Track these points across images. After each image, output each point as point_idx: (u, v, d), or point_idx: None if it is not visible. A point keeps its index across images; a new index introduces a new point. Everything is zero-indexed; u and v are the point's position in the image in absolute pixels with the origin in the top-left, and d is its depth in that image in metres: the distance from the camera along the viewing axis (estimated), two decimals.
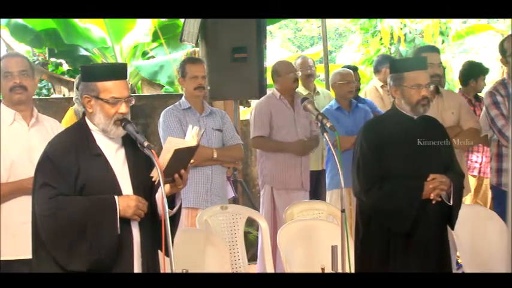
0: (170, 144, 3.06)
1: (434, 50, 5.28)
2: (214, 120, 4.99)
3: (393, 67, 3.99)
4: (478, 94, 6.75)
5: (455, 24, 12.51)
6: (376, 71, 6.96)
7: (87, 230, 3.01)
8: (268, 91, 5.95)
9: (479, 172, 6.67)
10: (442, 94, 5.16)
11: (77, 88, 5.11)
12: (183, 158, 3.09)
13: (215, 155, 4.87)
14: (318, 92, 6.71)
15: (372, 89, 6.82)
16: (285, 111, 5.71)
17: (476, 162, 6.66)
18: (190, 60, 5.24)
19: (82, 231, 3.00)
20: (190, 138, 3.12)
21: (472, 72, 6.70)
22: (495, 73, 11.04)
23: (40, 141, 3.72)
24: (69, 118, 5.16)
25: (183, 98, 5.01)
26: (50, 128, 3.90)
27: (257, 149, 5.96)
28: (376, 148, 3.85)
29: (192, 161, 3.16)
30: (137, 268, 3.13)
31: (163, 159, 3.02)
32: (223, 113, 5.11)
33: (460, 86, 6.87)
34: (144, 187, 3.16)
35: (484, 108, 5.13)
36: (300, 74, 6.46)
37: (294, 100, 5.76)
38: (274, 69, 5.82)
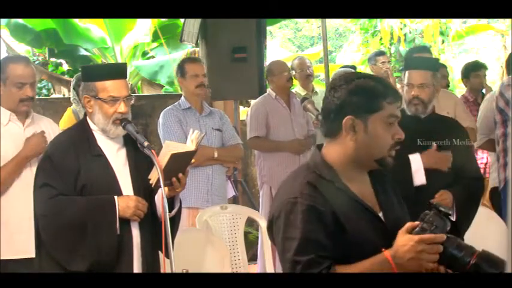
0: (168, 149, 3.06)
1: (424, 50, 5.29)
2: (214, 120, 4.98)
3: (404, 64, 4.08)
4: (484, 92, 6.72)
5: (455, 24, 12.50)
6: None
7: (87, 230, 3.01)
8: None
9: (484, 173, 6.65)
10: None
11: (74, 88, 5.11)
12: (180, 162, 3.09)
13: (216, 155, 4.86)
14: (316, 92, 6.71)
15: None
16: (281, 110, 5.71)
17: (481, 163, 6.64)
18: (190, 59, 5.25)
19: (82, 231, 3.01)
20: (190, 143, 3.11)
21: (473, 68, 6.72)
22: (495, 73, 11.03)
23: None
24: (68, 118, 5.14)
25: (182, 98, 5.00)
26: (45, 128, 3.89)
27: (254, 149, 5.95)
28: None
29: (192, 160, 3.16)
30: (137, 268, 3.13)
31: (161, 163, 3.02)
32: (222, 113, 5.11)
33: (463, 84, 6.88)
34: (145, 188, 3.16)
35: (496, 106, 4.98)
36: (293, 73, 6.48)
37: (290, 100, 5.77)
38: (268, 69, 5.83)
